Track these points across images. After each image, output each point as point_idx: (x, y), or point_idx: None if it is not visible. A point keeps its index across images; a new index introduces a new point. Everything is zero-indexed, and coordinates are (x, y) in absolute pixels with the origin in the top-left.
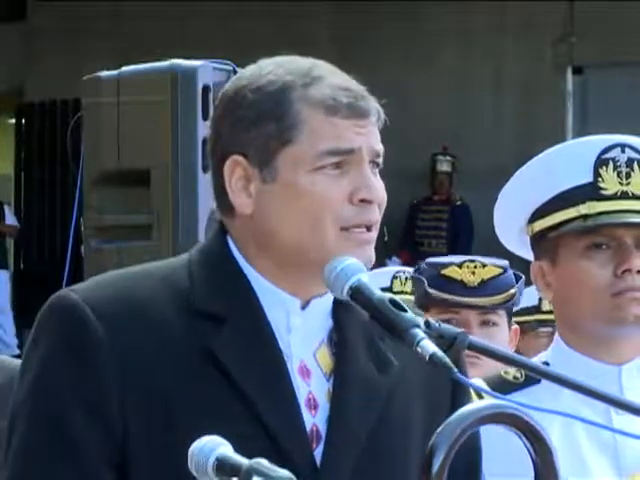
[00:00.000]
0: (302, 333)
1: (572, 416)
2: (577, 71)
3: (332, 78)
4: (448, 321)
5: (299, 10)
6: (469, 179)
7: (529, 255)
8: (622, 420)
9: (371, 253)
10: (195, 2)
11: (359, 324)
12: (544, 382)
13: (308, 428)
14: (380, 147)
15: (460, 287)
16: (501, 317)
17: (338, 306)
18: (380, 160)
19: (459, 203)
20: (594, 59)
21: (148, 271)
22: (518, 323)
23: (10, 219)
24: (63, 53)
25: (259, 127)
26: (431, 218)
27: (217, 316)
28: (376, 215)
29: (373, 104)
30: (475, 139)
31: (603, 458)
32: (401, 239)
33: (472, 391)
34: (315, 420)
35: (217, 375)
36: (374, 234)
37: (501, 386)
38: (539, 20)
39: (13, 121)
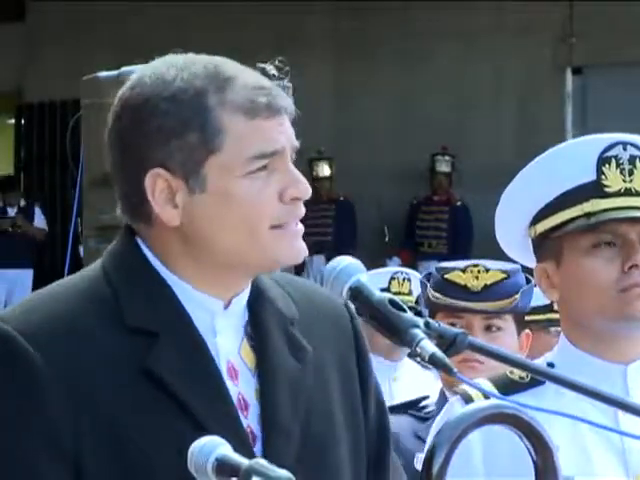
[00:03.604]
0: (227, 333)
1: (577, 417)
2: (577, 71)
3: (243, 77)
4: (452, 325)
5: (299, 10)
6: (469, 179)
7: (528, 261)
8: (628, 419)
9: (303, 245)
10: (195, 3)
11: (273, 314)
12: (549, 382)
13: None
14: (296, 142)
15: (463, 292)
16: (507, 322)
17: (253, 299)
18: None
19: (459, 203)
20: (594, 59)
21: (70, 287)
22: (529, 322)
23: (39, 220)
24: (63, 53)
25: (179, 138)
26: (431, 218)
27: (150, 332)
28: (303, 209)
29: (286, 99)
30: (475, 139)
31: (610, 457)
32: (401, 239)
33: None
34: (248, 421)
35: (155, 391)
36: (302, 226)
37: (507, 386)
38: (539, 20)
39: (13, 121)
